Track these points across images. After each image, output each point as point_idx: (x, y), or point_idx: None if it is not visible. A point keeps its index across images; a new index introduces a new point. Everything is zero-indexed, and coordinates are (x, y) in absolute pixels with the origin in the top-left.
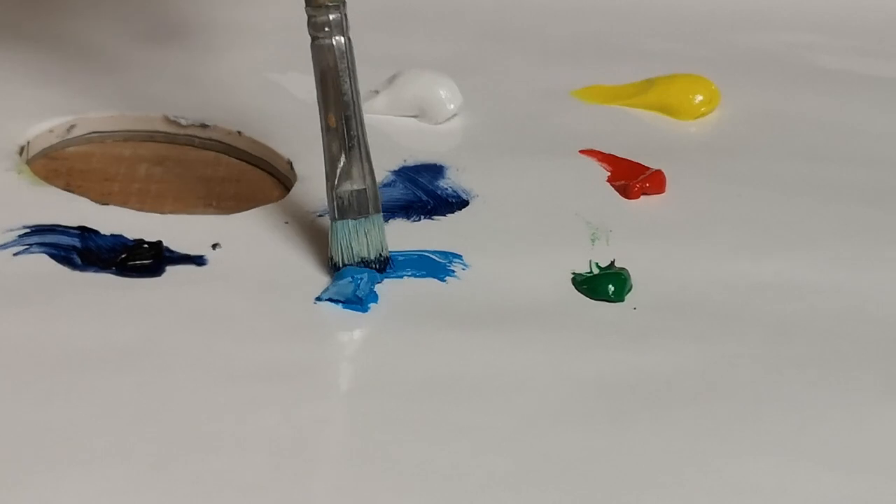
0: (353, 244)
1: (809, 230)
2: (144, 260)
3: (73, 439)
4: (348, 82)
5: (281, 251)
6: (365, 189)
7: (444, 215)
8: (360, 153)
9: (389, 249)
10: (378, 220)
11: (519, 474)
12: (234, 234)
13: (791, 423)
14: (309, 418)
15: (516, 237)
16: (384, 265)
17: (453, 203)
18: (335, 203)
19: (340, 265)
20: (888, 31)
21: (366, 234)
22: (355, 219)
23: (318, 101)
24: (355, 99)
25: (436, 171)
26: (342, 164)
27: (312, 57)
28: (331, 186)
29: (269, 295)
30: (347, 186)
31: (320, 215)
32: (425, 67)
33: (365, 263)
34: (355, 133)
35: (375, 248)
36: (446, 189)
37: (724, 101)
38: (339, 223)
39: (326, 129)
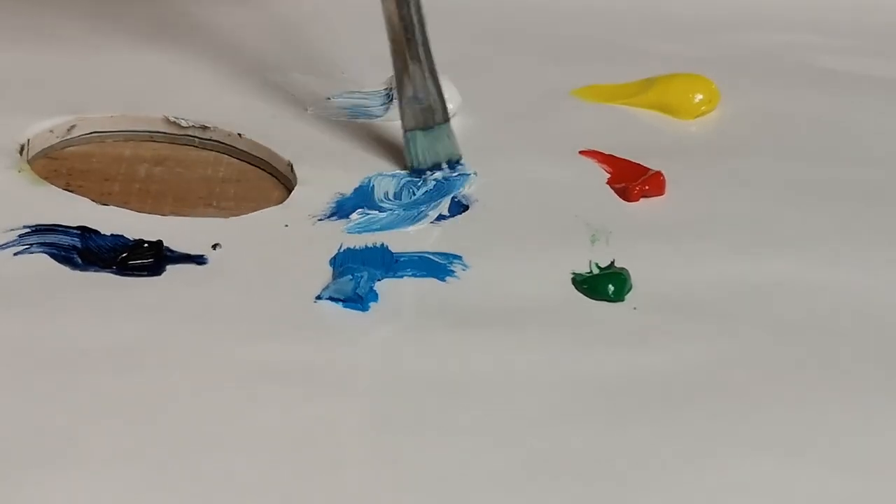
0: (422, 152)
1: (809, 230)
2: (145, 259)
3: (73, 439)
4: (407, 6)
5: (281, 252)
6: (430, 102)
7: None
8: (423, 70)
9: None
10: (446, 128)
11: (519, 474)
12: (234, 235)
13: (791, 423)
14: (309, 417)
15: (516, 237)
16: (455, 166)
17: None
18: (404, 115)
19: (418, 169)
20: (888, 31)
21: (435, 141)
22: (423, 129)
23: (386, 24)
24: (416, 21)
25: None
26: (407, 80)
27: None
28: (400, 100)
29: (269, 293)
30: (413, 100)
31: (320, 219)
32: None
33: (438, 167)
34: (416, 52)
35: (446, 153)
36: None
37: (724, 101)
38: (409, 133)
39: (392, 50)
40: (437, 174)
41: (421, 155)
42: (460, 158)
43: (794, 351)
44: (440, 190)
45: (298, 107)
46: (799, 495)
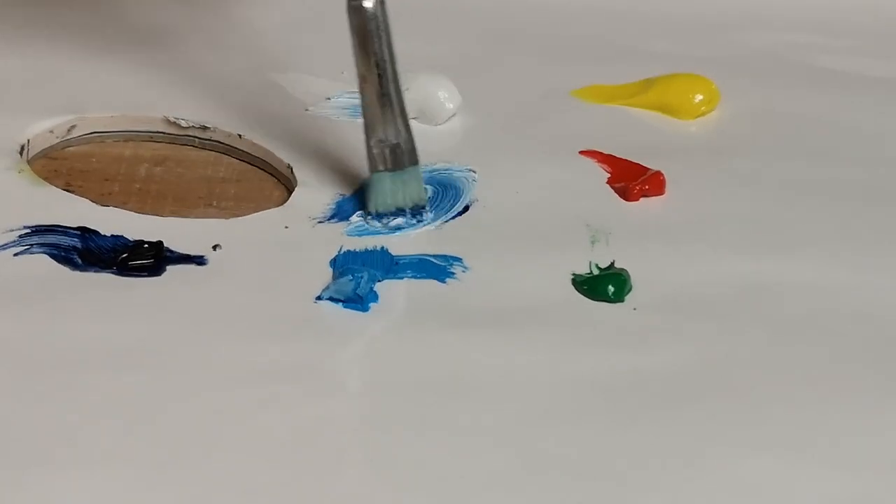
0: (389, 195)
1: (809, 230)
2: (145, 260)
3: (73, 439)
4: (378, 42)
5: (281, 252)
6: (399, 143)
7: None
8: (394, 109)
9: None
10: (415, 171)
11: (519, 474)
12: (234, 236)
13: (791, 423)
14: (309, 418)
15: (516, 238)
16: (420, 213)
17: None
18: (371, 156)
19: (377, 214)
20: (888, 31)
21: (402, 184)
22: (391, 171)
23: (355, 61)
24: (387, 58)
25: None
26: (376, 119)
27: (348, 19)
28: (368, 141)
29: (269, 294)
30: (382, 141)
31: (320, 221)
32: (424, 68)
33: (401, 212)
34: (387, 90)
35: (412, 198)
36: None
37: (724, 101)
38: (375, 175)
39: (361, 88)
40: (398, 220)
41: (388, 198)
42: (426, 205)
43: (794, 351)
44: (446, 196)
45: (298, 107)
46: (799, 495)
